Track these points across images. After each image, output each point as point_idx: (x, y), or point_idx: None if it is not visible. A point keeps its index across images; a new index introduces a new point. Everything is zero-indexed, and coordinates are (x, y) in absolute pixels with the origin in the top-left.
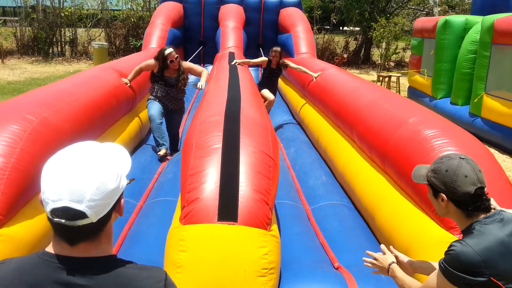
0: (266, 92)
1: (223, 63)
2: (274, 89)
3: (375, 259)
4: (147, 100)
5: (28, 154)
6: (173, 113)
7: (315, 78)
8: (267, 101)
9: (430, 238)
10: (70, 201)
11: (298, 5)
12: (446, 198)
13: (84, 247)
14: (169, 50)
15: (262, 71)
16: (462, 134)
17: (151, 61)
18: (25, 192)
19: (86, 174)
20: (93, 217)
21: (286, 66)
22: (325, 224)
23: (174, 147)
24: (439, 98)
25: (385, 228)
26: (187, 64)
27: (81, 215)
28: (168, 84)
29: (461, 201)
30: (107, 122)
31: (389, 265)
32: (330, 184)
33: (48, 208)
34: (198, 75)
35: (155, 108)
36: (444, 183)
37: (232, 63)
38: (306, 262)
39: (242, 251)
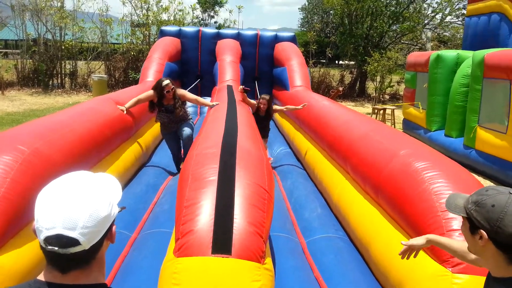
0: None
1: (222, 95)
2: (265, 133)
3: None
4: (160, 131)
5: (18, 185)
6: (179, 128)
7: (301, 107)
8: None
9: (424, 272)
10: (63, 229)
11: (292, 40)
12: (486, 236)
13: (75, 275)
14: (166, 81)
15: None
16: (453, 166)
17: (150, 92)
18: (15, 222)
19: (79, 202)
20: (85, 244)
21: (274, 111)
22: (320, 258)
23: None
24: (434, 131)
25: (380, 261)
26: (180, 91)
27: (74, 242)
28: (168, 111)
29: (506, 243)
30: (101, 153)
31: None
32: (326, 216)
33: (42, 236)
34: (191, 101)
35: (170, 144)
36: (488, 219)
37: (239, 89)
38: None
39: (235, 285)
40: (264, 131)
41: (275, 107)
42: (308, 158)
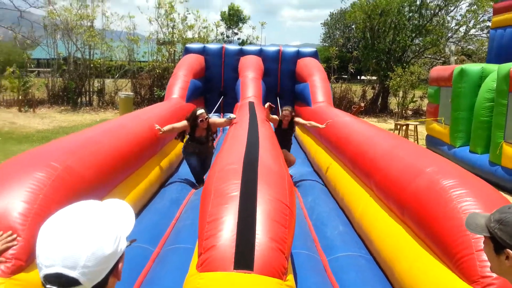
0: (284, 152)
1: (243, 112)
2: (288, 147)
3: None
4: (183, 155)
5: (51, 201)
6: (205, 160)
7: (324, 126)
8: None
9: None
10: (63, 267)
11: (314, 55)
12: None
13: None
14: (200, 111)
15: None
16: (480, 184)
17: (184, 122)
18: None
19: (81, 239)
20: (86, 284)
21: (297, 124)
22: (342, 276)
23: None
24: (458, 147)
25: (405, 280)
26: (211, 120)
27: (74, 282)
28: (200, 142)
29: None
30: (129, 169)
31: None
32: (348, 234)
33: (41, 273)
34: (221, 126)
35: (191, 165)
36: None
37: (266, 105)
38: None
39: None
40: (286, 145)
41: (298, 119)
42: (329, 174)
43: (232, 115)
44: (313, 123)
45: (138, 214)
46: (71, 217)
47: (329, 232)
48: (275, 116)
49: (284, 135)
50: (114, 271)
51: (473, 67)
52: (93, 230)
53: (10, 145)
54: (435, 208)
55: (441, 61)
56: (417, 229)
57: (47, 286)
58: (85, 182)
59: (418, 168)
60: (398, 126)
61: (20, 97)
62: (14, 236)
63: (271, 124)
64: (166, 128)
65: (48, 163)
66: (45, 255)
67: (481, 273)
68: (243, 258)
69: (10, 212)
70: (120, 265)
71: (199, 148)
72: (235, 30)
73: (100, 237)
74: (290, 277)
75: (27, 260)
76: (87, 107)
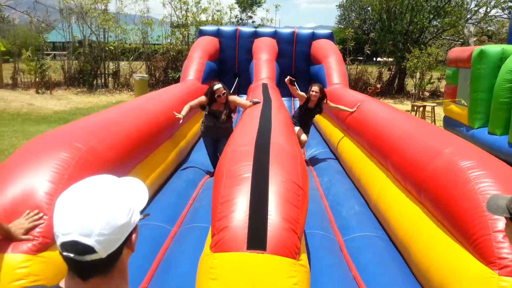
0: (298, 132)
1: (257, 94)
2: (307, 128)
3: None
4: (201, 133)
5: (75, 181)
6: (220, 141)
7: (354, 110)
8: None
9: (468, 273)
10: (79, 235)
11: (330, 37)
12: None
13: (96, 283)
14: (217, 85)
15: (298, 107)
16: (499, 165)
17: (202, 98)
18: None
19: (96, 208)
20: (102, 252)
21: (326, 106)
22: (358, 256)
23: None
24: (476, 128)
25: (421, 261)
26: (232, 97)
27: (90, 249)
28: (215, 116)
29: None
30: (147, 150)
31: None
32: (364, 214)
33: (58, 241)
34: (242, 106)
35: (207, 147)
36: None
37: (286, 80)
38: None
39: (271, 281)
40: (307, 125)
41: (329, 102)
42: (345, 155)
43: (256, 100)
44: (342, 107)
45: (155, 194)
46: (87, 189)
47: (345, 212)
48: (302, 93)
49: (308, 114)
50: (128, 242)
51: (493, 48)
52: (108, 200)
53: (28, 126)
54: (453, 189)
55: (459, 42)
56: (434, 210)
57: (64, 253)
58: (106, 163)
59: (436, 149)
60: (415, 108)
61: (37, 80)
62: (41, 214)
63: (297, 100)
64: (183, 111)
65: (72, 143)
66: (62, 223)
67: (498, 254)
68: (256, 239)
69: (36, 191)
70: (133, 236)
71: (214, 122)
72: (250, 13)
73: (114, 207)
74: (303, 256)
75: (53, 238)
76: (103, 89)
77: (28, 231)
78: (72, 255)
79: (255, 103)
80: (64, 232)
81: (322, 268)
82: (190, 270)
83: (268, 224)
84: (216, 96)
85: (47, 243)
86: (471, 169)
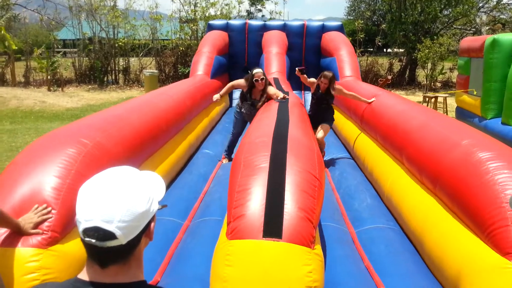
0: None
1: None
2: (323, 119)
3: None
4: (235, 110)
5: (82, 176)
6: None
7: (371, 102)
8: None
9: (483, 264)
10: (101, 221)
11: (340, 29)
12: None
13: (114, 271)
14: (256, 70)
15: (311, 96)
16: None
17: (242, 81)
18: None
19: (117, 196)
20: (122, 239)
21: (339, 92)
22: (371, 248)
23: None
24: (490, 118)
25: (435, 252)
26: (271, 90)
27: (111, 235)
28: (253, 104)
29: None
30: (156, 145)
31: None
32: (376, 206)
33: (81, 227)
34: (270, 97)
35: (238, 126)
36: None
37: (297, 68)
38: (350, 286)
39: (286, 268)
40: (325, 112)
41: (340, 88)
42: (357, 147)
43: (282, 95)
44: (357, 95)
45: (166, 188)
46: (109, 178)
47: (357, 204)
48: (312, 80)
49: (320, 102)
50: (147, 230)
51: (506, 37)
52: (128, 189)
53: (41, 123)
54: (471, 180)
55: (471, 32)
56: (450, 202)
57: (86, 239)
58: (114, 158)
59: (453, 141)
60: (427, 99)
61: (48, 77)
62: (49, 209)
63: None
64: (223, 90)
65: (79, 139)
66: (84, 210)
67: None
68: (272, 226)
69: (44, 186)
70: (152, 224)
71: (250, 111)
72: (259, 7)
73: (134, 195)
74: (318, 246)
75: (61, 232)
76: (113, 85)
77: (37, 225)
78: (93, 240)
79: (282, 97)
80: (87, 218)
81: (335, 259)
82: (203, 262)
83: (284, 212)
84: (254, 80)
85: (56, 237)
86: (489, 160)
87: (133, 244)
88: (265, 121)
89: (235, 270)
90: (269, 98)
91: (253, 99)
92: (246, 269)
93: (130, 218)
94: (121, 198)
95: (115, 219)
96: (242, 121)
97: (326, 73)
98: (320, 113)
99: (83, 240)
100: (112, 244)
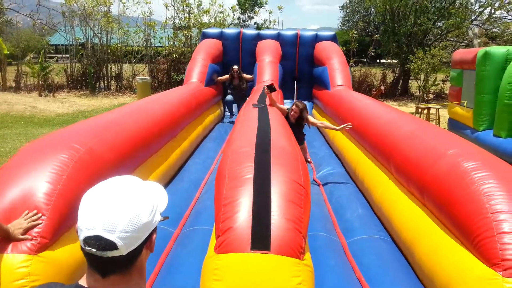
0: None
1: (257, 95)
2: (299, 139)
3: None
4: (227, 94)
5: (73, 182)
6: (239, 102)
7: (340, 128)
8: None
9: (472, 275)
10: (102, 230)
11: (333, 39)
12: None
13: (115, 281)
14: (234, 67)
15: None
16: (503, 166)
17: (227, 75)
18: (68, 217)
19: (121, 206)
20: (123, 249)
21: (310, 123)
22: (362, 258)
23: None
24: (481, 130)
25: (425, 262)
26: (246, 76)
27: (112, 245)
28: (234, 88)
29: None
30: (149, 151)
31: None
32: (367, 217)
33: (82, 236)
34: (248, 80)
35: (230, 97)
36: None
37: (265, 85)
38: None
39: (275, 281)
40: (297, 136)
41: (310, 119)
42: (348, 158)
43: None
44: (327, 124)
45: None
46: (113, 187)
47: (349, 215)
48: (283, 106)
49: (292, 128)
50: (148, 242)
51: (498, 50)
52: (132, 199)
53: (31, 129)
54: (456, 190)
55: (463, 44)
56: (438, 212)
57: (87, 248)
58: (106, 164)
59: (439, 151)
60: (420, 110)
61: (40, 82)
62: (39, 215)
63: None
64: (219, 78)
65: (71, 145)
66: (86, 218)
67: (502, 255)
68: (260, 239)
69: (35, 192)
70: (153, 236)
71: (235, 92)
72: (251, 15)
73: (138, 205)
74: (308, 256)
75: (51, 239)
76: (105, 92)
77: (26, 231)
78: (94, 250)
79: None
80: (89, 226)
81: (326, 269)
82: (193, 273)
83: (272, 224)
84: (231, 72)
85: (46, 243)
86: (475, 171)
87: (134, 255)
88: (246, 129)
89: (223, 284)
90: (246, 80)
91: (234, 84)
92: (235, 283)
93: (132, 228)
94: (125, 207)
95: (117, 228)
96: (232, 98)
97: (297, 103)
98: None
99: (83, 249)
100: (113, 254)
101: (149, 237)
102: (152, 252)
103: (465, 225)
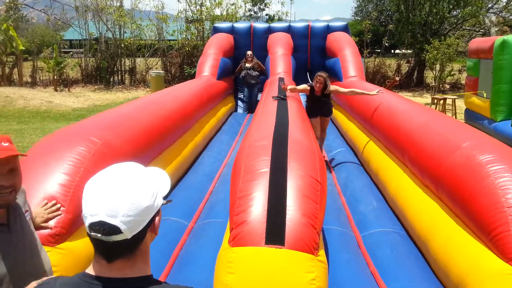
0: (313, 122)
1: (273, 88)
2: (327, 110)
3: None
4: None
5: (91, 174)
6: (252, 88)
7: (375, 94)
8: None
9: (487, 269)
10: (105, 216)
11: (345, 29)
12: None
13: (121, 265)
14: (248, 52)
15: (306, 100)
16: None
17: (241, 64)
18: None
19: (122, 191)
20: (127, 233)
21: (336, 92)
22: (376, 252)
23: (251, 110)
24: (499, 121)
25: (440, 257)
26: (258, 62)
27: (116, 230)
28: (247, 69)
29: None
30: (163, 144)
31: None
32: (382, 210)
33: (87, 222)
34: (260, 67)
35: (244, 91)
36: None
37: (272, 97)
38: None
39: (289, 276)
40: (324, 107)
41: (336, 87)
42: (363, 150)
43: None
44: (357, 90)
45: (172, 188)
46: (114, 174)
47: (363, 208)
48: (301, 86)
49: (319, 102)
50: (151, 225)
51: None
52: (132, 183)
53: (48, 123)
54: (472, 184)
55: (480, 33)
56: (453, 205)
57: (92, 234)
58: (122, 156)
59: (454, 143)
60: (435, 101)
61: (55, 77)
62: (58, 205)
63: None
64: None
65: (88, 138)
66: (90, 205)
67: None
68: (274, 233)
69: (53, 184)
70: (157, 219)
71: (247, 73)
72: (262, 6)
73: (138, 190)
74: (322, 252)
75: (69, 230)
76: (120, 86)
77: (46, 221)
78: (99, 235)
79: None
80: (92, 213)
81: (340, 264)
82: (207, 265)
83: (287, 219)
84: (246, 56)
85: (64, 234)
86: (490, 163)
87: (139, 238)
88: (264, 123)
89: (237, 277)
90: (260, 65)
91: (248, 66)
92: (248, 276)
93: (134, 212)
94: (125, 192)
95: (119, 213)
96: (246, 90)
97: (320, 73)
98: (319, 109)
99: (89, 235)
100: (118, 238)
101: (152, 220)
102: (157, 235)
103: (481, 219)
